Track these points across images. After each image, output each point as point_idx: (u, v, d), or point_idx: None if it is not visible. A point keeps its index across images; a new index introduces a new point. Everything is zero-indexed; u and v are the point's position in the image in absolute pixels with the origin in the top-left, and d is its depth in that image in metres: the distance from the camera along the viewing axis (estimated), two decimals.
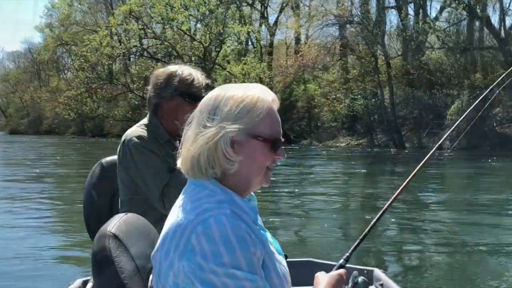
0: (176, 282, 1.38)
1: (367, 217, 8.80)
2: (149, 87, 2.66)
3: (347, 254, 1.85)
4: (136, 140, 2.57)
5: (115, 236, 1.51)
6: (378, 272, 3.18)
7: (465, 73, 31.05)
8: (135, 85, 37.65)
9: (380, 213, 2.01)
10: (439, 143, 2.76)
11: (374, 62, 33.44)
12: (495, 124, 29.99)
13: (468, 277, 5.75)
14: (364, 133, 34.05)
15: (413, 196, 11.95)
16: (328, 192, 12.62)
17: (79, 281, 2.92)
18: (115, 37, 40.03)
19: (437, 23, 33.77)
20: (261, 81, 33.44)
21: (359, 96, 33.85)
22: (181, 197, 1.49)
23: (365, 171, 17.72)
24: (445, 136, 3.15)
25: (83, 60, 37.86)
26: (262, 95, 1.46)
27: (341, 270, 1.65)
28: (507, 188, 13.30)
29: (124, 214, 1.65)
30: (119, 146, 2.58)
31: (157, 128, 2.65)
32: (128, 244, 1.53)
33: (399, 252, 6.94)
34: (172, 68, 2.62)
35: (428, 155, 2.23)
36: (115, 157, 2.68)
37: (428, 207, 10.65)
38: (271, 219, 8.54)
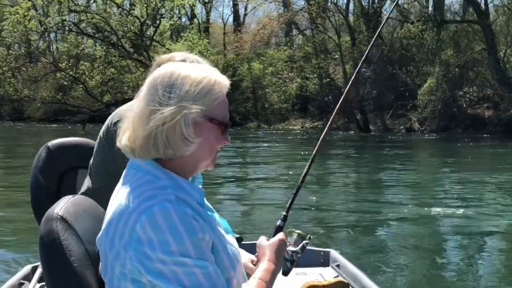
0: (123, 272, 1.43)
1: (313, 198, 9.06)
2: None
3: (283, 213, 1.92)
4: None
5: (62, 219, 1.53)
6: (334, 253, 3.32)
7: (437, 50, 30.68)
8: (64, 64, 36.46)
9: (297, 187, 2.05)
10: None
11: (336, 37, 33.13)
12: (464, 105, 30.15)
13: (425, 258, 6.11)
14: (318, 115, 33.98)
15: (372, 178, 12.38)
16: (278, 175, 12.89)
17: (27, 268, 2.94)
18: (40, 10, 38.57)
19: None
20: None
21: (315, 75, 33.89)
22: (121, 183, 1.52)
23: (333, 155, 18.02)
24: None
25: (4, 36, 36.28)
26: (219, 78, 1.51)
27: (280, 235, 1.74)
28: (464, 169, 13.88)
29: (71, 196, 1.67)
30: (104, 126, 2.50)
31: None
32: (76, 226, 1.56)
33: (355, 234, 7.29)
34: (177, 56, 2.52)
35: (328, 125, 2.28)
36: (61, 139, 2.69)
37: (387, 189, 11.05)
38: (221, 203, 8.68)
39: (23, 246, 6.32)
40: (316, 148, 2.16)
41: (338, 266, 3.20)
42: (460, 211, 8.43)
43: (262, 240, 1.74)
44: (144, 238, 1.37)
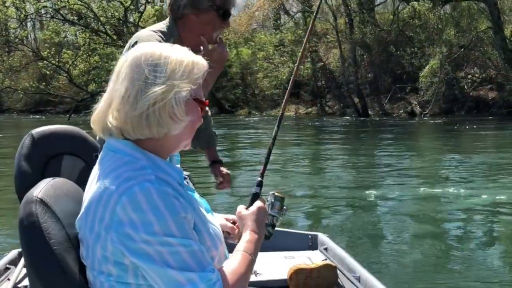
0: (105, 255, 1.46)
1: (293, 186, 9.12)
2: None
3: (258, 179, 1.93)
4: None
5: (42, 201, 1.55)
6: (322, 236, 3.40)
7: (442, 29, 30.37)
8: (46, 52, 36.17)
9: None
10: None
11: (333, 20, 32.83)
12: (466, 87, 29.99)
13: (415, 241, 6.27)
14: (311, 101, 33.94)
15: (371, 163, 12.46)
16: (272, 160, 12.96)
17: (14, 252, 2.99)
18: None
19: None
20: None
21: (308, 59, 33.67)
22: (99, 166, 1.55)
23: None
24: None
25: None
26: (197, 59, 1.56)
27: (259, 202, 1.77)
28: (454, 155, 13.99)
29: (51, 178, 1.69)
30: (124, 50, 2.44)
31: (175, 38, 2.56)
32: (56, 209, 1.58)
33: (345, 218, 7.47)
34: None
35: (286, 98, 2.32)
36: (45, 127, 2.74)
37: (383, 174, 11.15)
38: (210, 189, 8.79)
39: (9, 232, 6.49)
40: (282, 107, 2.25)
41: (326, 249, 3.27)
42: (456, 192, 8.60)
43: (241, 210, 1.77)
44: (125, 219, 1.41)
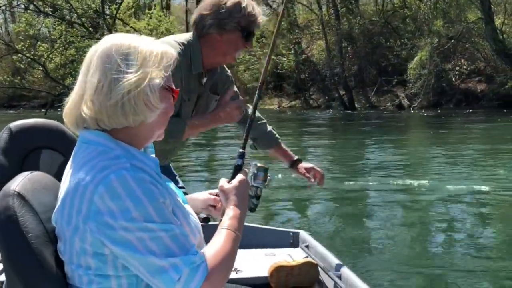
0: (83, 247, 1.48)
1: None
2: (203, 11, 2.66)
3: (239, 150, 1.94)
4: None
5: (19, 195, 1.56)
6: (303, 234, 3.43)
7: (432, 20, 30.17)
8: (20, 45, 35.73)
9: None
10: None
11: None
12: (454, 80, 29.95)
13: (396, 238, 6.35)
14: (294, 94, 33.90)
15: (356, 157, 12.51)
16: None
17: None
18: None
19: None
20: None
21: (291, 51, 33.63)
22: (72, 160, 1.57)
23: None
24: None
25: None
26: (165, 49, 1.59)
27: (241, 175, 1.78)
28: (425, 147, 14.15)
29: (29, 172, 1.69)
30: None
31: (197, 55, 2.65)
32: (34, 203, 1.58)
33: (327, 215, 7.48)
34: None
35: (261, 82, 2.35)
36: (23, 120, 2.74)
37: (362, 169, 11.23)
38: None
39: None
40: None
41: (307, 247, 3.30)
42: (441, 186, 8.72)
43: (223, 184, 1.77)
44: (103, 208, 1.42)
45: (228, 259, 1.55)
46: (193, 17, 2.75)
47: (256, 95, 2.15)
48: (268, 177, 1.88)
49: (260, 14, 2.72)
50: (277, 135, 3.26)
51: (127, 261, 1.46)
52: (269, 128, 3.22)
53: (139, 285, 1.52)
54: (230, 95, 2.79)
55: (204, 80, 2.83)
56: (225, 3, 2.63)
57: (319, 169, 3.16)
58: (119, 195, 1.43)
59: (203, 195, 1.94)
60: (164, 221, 1.46)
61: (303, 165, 3.18)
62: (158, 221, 1.44)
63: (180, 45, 2.66)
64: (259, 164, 1.88)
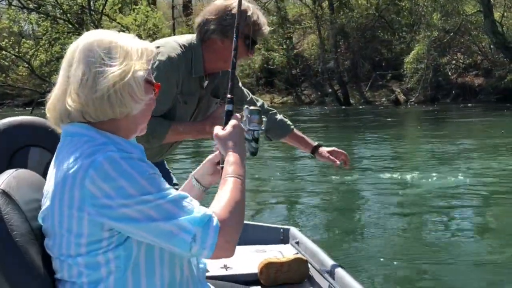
0: (78, 233, 1.50)
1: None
2: (208, 15, 2.68)
3: (228, 96, 1.94)
4: (163, 58, 2.59)
5: (4, 193, 1.57)
6: (294, 230, 3.45)
7: (430, 13, 29.81)
8: (4, 42, 35.46)
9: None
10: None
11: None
12: (450, 74, 29.83)
13: (385, 234, 6.38)
14: (286, 90, 33.80)
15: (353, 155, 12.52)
16: None
17: None
18: None
19: None
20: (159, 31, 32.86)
21: (282, 46, 33.60)
22: (57, 154, 1.60)
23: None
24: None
25: None
26: (145, 45, 1.64)
27: (233, 121, 1.80)
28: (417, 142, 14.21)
29: (14, 170, 1.71)
30: None
31: (198, 58, 2.67)
32: (19, 200, 1.60)
33: (316, 211, 7.53)
34: (244, 3, 2.54)
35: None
36: (10, 118, 2.75)
37: (354, 165, 11.24)
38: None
39: None
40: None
41: (297, 243, 3.32)
42: (435, 181, 8.77)
43: (218, 131, 1.80)
44: (97, 191, 1.45)
45: (238, 207, 1.58)
46: (197, 20, 2.77)
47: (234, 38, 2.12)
48: (264, 118, 1.88)
49: (265, 24, 2.74)
50: (289, 122, 3.25)
51: (135, 234, 1.50)
52: (280, 116, 3.22)
53: (126, 270, 1.55)
54: (223, 110, 2.81)
55: (206, 83, 2.86)
56: (230, 10, 2.65)
57: (341, 151, 3.16)
58: (110, 175, 1.46)
59: (206, 162, 1.97)
60: (159, 190, 1.49)
61: (325, 149, 3.17)
62: (153, 191, 1.48)
63: (180, 47, 2.69)
64: (251, 108, 1.88)
